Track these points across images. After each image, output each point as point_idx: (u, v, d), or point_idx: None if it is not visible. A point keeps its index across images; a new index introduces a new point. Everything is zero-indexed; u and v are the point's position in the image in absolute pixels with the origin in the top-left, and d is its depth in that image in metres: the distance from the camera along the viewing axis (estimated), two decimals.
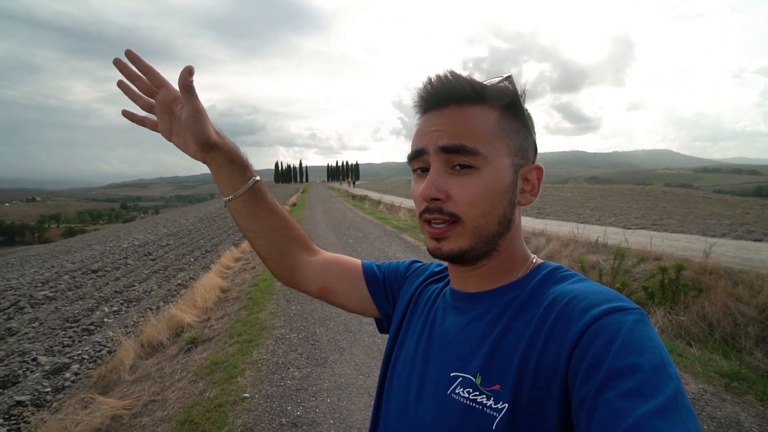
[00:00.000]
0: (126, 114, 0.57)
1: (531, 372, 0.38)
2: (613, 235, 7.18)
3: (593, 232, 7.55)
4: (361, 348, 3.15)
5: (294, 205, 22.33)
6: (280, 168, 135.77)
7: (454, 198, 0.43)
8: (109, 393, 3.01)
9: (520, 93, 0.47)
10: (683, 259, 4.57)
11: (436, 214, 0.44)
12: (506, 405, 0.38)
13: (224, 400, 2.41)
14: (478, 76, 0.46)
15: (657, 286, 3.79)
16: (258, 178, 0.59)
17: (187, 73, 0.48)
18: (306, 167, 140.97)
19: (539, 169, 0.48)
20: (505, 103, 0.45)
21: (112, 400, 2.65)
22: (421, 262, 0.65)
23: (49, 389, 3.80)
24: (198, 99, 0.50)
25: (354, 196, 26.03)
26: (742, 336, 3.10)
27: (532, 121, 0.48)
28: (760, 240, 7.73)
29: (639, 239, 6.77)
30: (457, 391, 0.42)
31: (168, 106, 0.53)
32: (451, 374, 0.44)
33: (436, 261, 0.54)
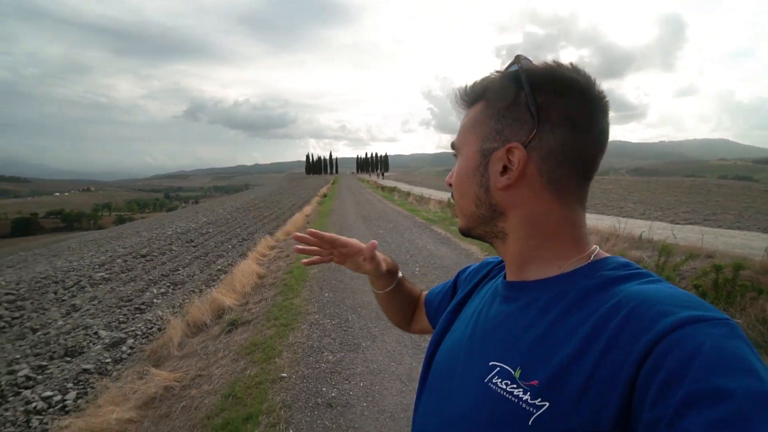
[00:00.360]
0: (305, 263, 0.75)
1: (581, 376, 0.35)
2: (659, 230, 6.73)
3: (636, 226, 7.12)
4: (392, 336, 3.21)
5: (325, 196, 22.78)
6: (311, 160, 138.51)
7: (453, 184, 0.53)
8: (161, 366, 3.28)
9: (519, 71, 0.44)
10: (741, 257, 4.21)
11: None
12: (546, 403, 0.36)
13: (264, 378, 2.55)
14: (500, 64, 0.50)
15: (710, 285, 3.53)
16: (401, 275, 0.77)
17: (373, 247, 0.70)
18: (336, 159, 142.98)
19: (518, 148, 0.43)
20: (489, 96, 0.47)
21: (164, 372, 2.88)
22: (468, 267, 0.68)
23: (109, 360, 4.19)
24: (376, 256, 0.72)
25: (383, 188, 26.11)
26: None
27: (522, 98, 0.43)
28: None
29: (688, 235, 6.32)
30: (494, 381, 0.42)
31: (352, 256, 0.72)
32: (490, 363, 0.44)
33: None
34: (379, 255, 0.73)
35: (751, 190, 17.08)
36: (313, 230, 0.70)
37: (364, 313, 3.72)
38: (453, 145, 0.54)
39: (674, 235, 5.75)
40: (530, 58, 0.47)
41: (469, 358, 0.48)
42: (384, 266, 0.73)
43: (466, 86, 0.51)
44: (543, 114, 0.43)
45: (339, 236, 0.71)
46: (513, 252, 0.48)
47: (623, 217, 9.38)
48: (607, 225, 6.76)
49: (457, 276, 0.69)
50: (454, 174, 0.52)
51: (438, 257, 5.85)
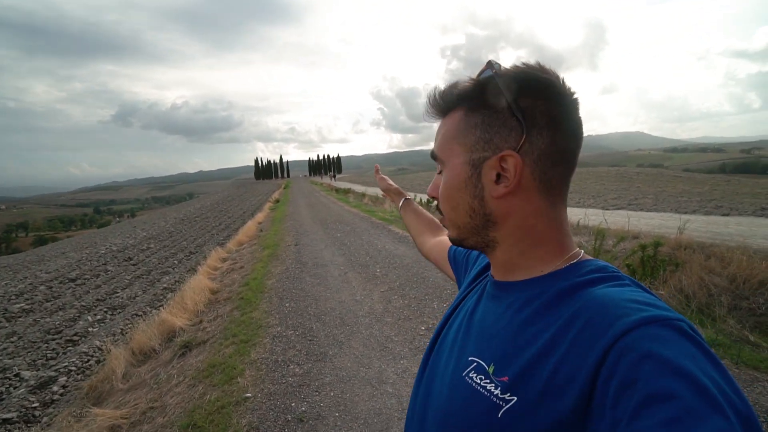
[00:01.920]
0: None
1: (545, 374, 0.37)
2: (593, 216, 7.44)
3: (573, 214, 7.79)
4: (359, 340, 3.19)
5: (277, 201, 21.99)
6: (260, 164, 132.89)
7: (438, 196, 0.52)
8: (103, 404, 2.94)
9: (495, 77, 0.44)
10: (660, 236, 4.79)
11: (437, 207, 0.54)
12: (514, 398, 0.39)
13: (226, 402, 2.40)
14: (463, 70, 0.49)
15: (638, 262, 3.97)
16: (408, 197, 1.02)
17: (375, 171, 1.14)
18: (287, 162, 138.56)
19: (512, 156, 0.43)
20: (469, 102, 0.46)
21: (108, 410, 2.59)
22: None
23: (36, 404, 3.67)
24: (385, 181, 1.06)
25: (338, 190, 25.85)
26: (716, 305, 3.30)
27: (503, 104, 0.44)
28: (727, 215, 8.18)
29: (617, 219, 7.04)
30: (470, 375, 0.45)
31: (379, 182, 1.09)
32: (469, 358, 0.47)
33: None
34: (393, 186, 1.04)
35: (663, 176, 19.62)
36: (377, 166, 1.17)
37: (328, 321, 3.65)
38: (434, 156, 0.52)
39: (606, 220, 6.39)
40: (500, 63, 0.46)
41: (452, 353, 0.51)
42: (395, 186, 1.05)
43: (436, 94, 0.49)
44: (528, 118, 0.43)
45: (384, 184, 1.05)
46: (502, 258, 0.49)
47: None
48: None
49: (468, 252, 0.72)
50: (442, 186, 0.50)
51: (397, 257, 5.92)
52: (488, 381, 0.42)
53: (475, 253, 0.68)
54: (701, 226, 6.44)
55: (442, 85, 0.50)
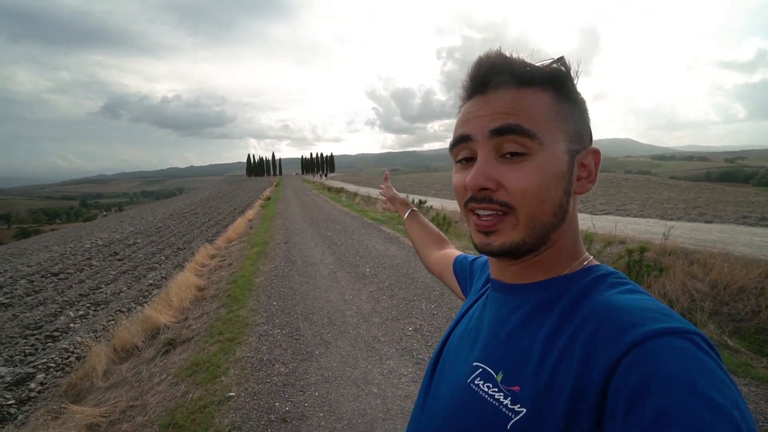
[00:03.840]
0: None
1: (562, 385, 0.35)
2: (582, 221, 7.50)
3: None
4: (346, 340, 3.17)
5: (268, 198, 21.81)
6: (252, 161, 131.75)
7: (507, 187, 0.40)
8: (83, 401, 2.87)
9: (573, 75, 0.43)
10: (645, 241, 4.88)
11: (484, 204, 0.41)
12: (524, 410, 0.37)
13: (209, 401, 2.36)
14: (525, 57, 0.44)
15: (624, 267, 4.04)
16: (413, 209, 1.00)
17: (384, 179, 1.08)
18: (279, 159, 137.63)
19: (596, 152, 0.44)
20: (559, 86, 0.42)
21: (86, 408, 2.53)
22: (480, 257, 0.69)
23: (12, 401, 3.57)
24: (391, 190, 1.05)
25: (330, 189, 25.75)
26: (698, 311, 3.37)
27: (585, 105, 0.45)
28: (710, 222, 8.38)
29: (605, 224, 7.15)
30: (476, 382, 0.42)
31: (385, 190, 1.07)
32: (474, 363, 0.44)
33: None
34: (399, 197, 1.03)
35: (650, 183, 20.02)
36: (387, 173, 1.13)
37: (315, 320, 3.63)
38: (520, 129, 0.40)
39: (593, 224, 6.48)
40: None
41: (457, 357, 0.49)
42: (400, 198, 1.03)
43: (515, 60, 0.42)
44: (589, 117, 0.45)
45: (390, 194, 1.04)
46: (535, 259, 0.44)
47: None
48: None
49: (473, 261, 0.70)
50: (532, 173, 0.40)
51: (388, 257, 5.92)
52: (496, 390, 0.40)
53: (480, 261, 0.67)
54: (685, 233, 6.58)
55: (505, 52, 0.43)
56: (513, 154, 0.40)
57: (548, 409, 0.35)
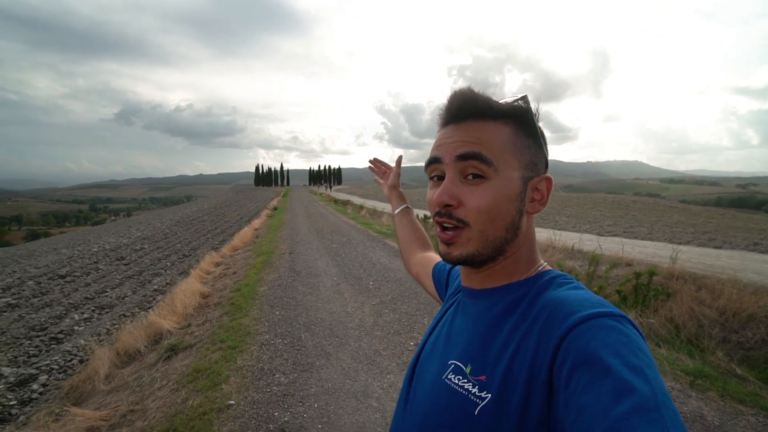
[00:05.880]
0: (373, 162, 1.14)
1: (520, 370, 0.41)
2: (588, 242, 7.49)
3: (569, 238, 7.85)
4: (347, 353, 3.16)
5: (275, 209, 21.99)
6: (260, 171, 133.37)
7: (465, 205, 0.47)
8: (83, 404, 2.89)
9: (534, 112, 0.50)
10: (653, 264, 4.83)
11: (445, 218, 0.48)
12: (489, 395, 0.42)
13: (208, 408, 2.36)
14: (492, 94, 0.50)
15: (630, 289, 3.99)
16: (407, 205, 1.00)
17: (396, 163, 1.04)
18: (287, 170, 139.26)
19: (548, 179, 0.50)
20: (518, 121, 0.49)
21: (87, 411, 2.54)
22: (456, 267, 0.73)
23: (14, 402, 3.59)
24: (397, 178, 1.02)
25: (336, 201, 25.91)
26: (706, 337, 3.31)
27: (544, 138, 0.51)
28: (720, 247, 8.25)
29: (612, 246, 7.08)
30: (449, 377, 0.47)
31: (391, 175, 1.04)
32: (449, 362, 0.49)
33: None
34: (399, 189, 1.02)
35: (659, 206, 19.83)
36: (376, 159, 1.12)
37: (317, 331, 3.62)
38: (480, 156, 0.46)
39: (600, 246, 6.43)
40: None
41: (433, 360, 0.54)
42: (398, 185, 1.02)
43: (481, 96, 0.48)
44: (546, 147, 0.52)
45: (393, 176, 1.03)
46: (495, 268, 0.51)
47: (558, 229, 10.29)
48: (544, 237, 7.36)
49: (451, 269, 0.75)
50: (488, 194, 0.46)
51: (391, 270, 5.91)
52: (466, 380, 0.45)
53: (456, 271, 0.72)
54: (694, 257, 6.49)
55: (474, 88, 0.50)
56: (474, 176, 0.48)
57: (510, 392, 0.41)
